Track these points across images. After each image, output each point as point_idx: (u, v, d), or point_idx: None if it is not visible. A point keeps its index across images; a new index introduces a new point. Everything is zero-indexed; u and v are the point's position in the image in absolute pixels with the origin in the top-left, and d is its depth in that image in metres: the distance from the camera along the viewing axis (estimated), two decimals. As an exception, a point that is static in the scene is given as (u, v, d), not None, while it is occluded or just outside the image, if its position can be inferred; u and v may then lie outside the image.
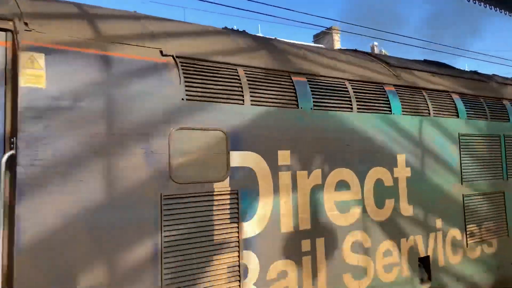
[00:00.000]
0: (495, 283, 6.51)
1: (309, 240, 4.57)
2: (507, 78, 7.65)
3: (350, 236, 4.93)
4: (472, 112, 6.54)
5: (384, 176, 5.32)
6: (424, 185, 5.77)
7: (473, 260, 6.28)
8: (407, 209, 5.51)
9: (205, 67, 4.10)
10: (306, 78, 4.81)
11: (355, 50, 6.73)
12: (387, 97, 5.51)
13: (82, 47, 3.48)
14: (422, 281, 5.60)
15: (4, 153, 3.13)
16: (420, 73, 6.46)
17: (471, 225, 6.31)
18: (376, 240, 5.14)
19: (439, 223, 5.88)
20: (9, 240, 3.09)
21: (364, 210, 5.06)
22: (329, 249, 4.71)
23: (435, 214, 5.86)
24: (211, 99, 4.03)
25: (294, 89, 4.64)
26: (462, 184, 6.27)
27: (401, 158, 5.52)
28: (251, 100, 4.30)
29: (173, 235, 3.68)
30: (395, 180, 5.39)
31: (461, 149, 6.25)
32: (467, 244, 6.22)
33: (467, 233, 6.23)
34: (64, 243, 3.21)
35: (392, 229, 5.32)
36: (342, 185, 4.93)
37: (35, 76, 3.26)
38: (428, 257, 5.73)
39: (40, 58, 3.30)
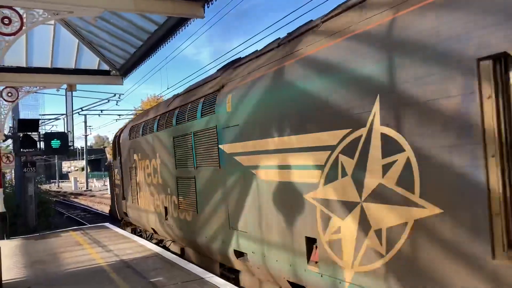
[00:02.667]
0: (186, 241, 9.63)
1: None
2: (205, 78, 9.37)
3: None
4: (180, 119, 9.10)
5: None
6: (163, 173, 10.31)
7: (183, 221, 9.28)
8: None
9: None
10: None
11: None
12: None
13: None
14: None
15: None
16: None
17: (180, 198, 9.34)
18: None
19: (171, 193, 9.86)
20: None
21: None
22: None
23: (172, 190, 9.75)
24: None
25: None
26: (176, 170, 9.44)
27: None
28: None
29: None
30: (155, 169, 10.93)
31: (175, 147, 9.38)
32: (179, 209, 9.42)
33: (179, 202, 9.39)
34: None
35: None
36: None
37: None
38: (166, 208, 10.25)
39: None
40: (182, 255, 10.26)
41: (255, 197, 6.18)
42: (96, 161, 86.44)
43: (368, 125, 4.09)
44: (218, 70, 8.84)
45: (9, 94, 14.99)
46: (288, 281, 5.60)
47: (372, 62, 4.04)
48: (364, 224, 4.21)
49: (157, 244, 11.46)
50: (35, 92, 16.56)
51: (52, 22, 12.94)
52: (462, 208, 3.26)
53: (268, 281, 6.43)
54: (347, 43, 4.40)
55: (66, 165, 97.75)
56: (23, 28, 7.88)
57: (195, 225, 8.64)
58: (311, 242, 5.06)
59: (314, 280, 4.98)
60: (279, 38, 6.47)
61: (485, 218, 3.06)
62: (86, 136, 57.37)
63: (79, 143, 79.72)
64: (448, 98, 3.32)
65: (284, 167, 5.45)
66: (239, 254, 6.90)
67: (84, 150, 61.90)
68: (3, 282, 7.44)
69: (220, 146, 7.14)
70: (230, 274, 7.85)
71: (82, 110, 33.26)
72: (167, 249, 10.57)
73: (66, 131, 22.23)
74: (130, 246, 10.46)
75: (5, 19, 7.65)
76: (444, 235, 3.41)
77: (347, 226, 4.43)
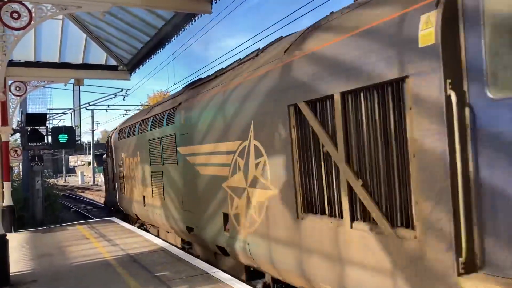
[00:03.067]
0: (159, 223, 11.89)
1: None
2: (174, 94, 11.78)
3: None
4: (153, 126, 11.22)
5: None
6: (142, 168, 12.35)
7: (155, 206, 11.41)
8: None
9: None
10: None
11: None
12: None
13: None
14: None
15: None
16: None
17: (154, 188, 11.43)
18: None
19: (147, 185, 11.99)
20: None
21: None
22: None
23: (148, 182, 11.91)
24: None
25: None
26: (150, 166, 11.57)
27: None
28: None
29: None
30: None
31: (149, 148, 11.46)
32: (152, 197, 11.55)
33: (153, 192, 11.50)
34: None
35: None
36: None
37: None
38: (144, 197, 12.41)
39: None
40: (157, 236, 12.13)
41: (196, 186, 8.46)
42: (103, 156, 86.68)
43: (248, 138, 6.35)
44: (183, 88, 11.05)
45: (18, 88, 15.09)
46: (216, 245, 7.80)
47: (249, 102, 6.37)
48: (248, 202, 6.41)
49: (139, 227, 13.52)
50: (43, 87, 16.66)
51: (60, 17, 12.99)
52: (286, 190, 5.46)
53: (206, 247, 8.74)
54: (240, 88, 6.73)
55: (73, 160, 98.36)
56: (32, 22, 7.93)
57: (162, 209, 10.74)
58: (226, 216, 7.25)
59: (227, 241, 7.24)
60: (220, 69, 8.80)
61: (293, 194, 5.30)
62: (93, 130, 57.66)
63: (86, 138, 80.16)
64: (277, 125, 5.62)
65: (211, 165, 7.75)
66: (190, 229, 8.99)
67: (91, 145, 62.25)
68: (10, 274, 7.52)
69: (177, 148, 9.43)
70: (188, 246, 10.17)
71: (89, 105, 33.46)
72: (172, 244, 10.65)
73: (73, 126, 22.37)
74: (136, 241, 10.53)
75: (14, 14, 7.70)
76: (279, 205, 5.63)
77: (241, 203, 6.64)
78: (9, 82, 14.66)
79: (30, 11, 7.88)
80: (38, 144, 18.72)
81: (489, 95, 3.17)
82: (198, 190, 8.35)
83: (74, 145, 20.92)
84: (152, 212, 11.79)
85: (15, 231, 13.75)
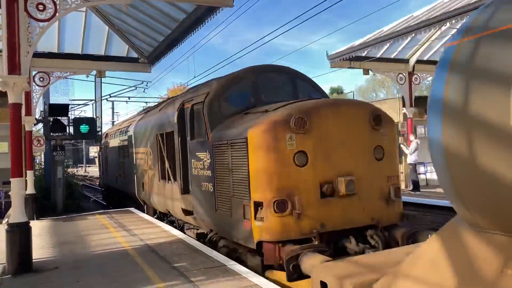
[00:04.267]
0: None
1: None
2: (134, 115, 18.44)
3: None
4: (122, 133, 17.81)
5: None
6: (115, 160, 19.24)
7: (119, 181, 18.76)
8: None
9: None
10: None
11: None
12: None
13: None
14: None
15: None
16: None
17: (120, 173, 18.25)
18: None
19: (119, 171, 18.45)
20: None
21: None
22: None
23: (118, 170, 18.92)
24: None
25: None
26: (118, 158, 18.55)
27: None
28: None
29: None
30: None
31: (118, 147, 18.50)
32: (116, 183, 19.22)
33: (120, 175, 18.49)
34: None
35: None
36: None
37: None
38: (116, 177, 19.33)
39: None
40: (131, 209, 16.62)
41: (144, 174, 13.70)
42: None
43: (148, 146, 12.90)
44: (142, 110, 18.30)
45: (41, 79, 15.37)
46: (142, 200, 14.73)
47: (149, 128, 12.92)
48: (148, 176, 13.17)
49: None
50: (66, 78, 16.92)
51: (84, 9, 13.15)
52: (157, 170, 12.15)
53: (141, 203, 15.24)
54: (141, 122, 14.53)
55: (93, 150, 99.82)
56: (57, 14, 8.04)
57: (123, 185, 17.82)
58: (143, 184, 13.84)
59: (145, 197, 13.90)
60: (148, 107, 17.39)
61: (158, 172, 11.87)
62: (113, 122, 58.38)
63: (106, 129, 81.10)
64: (154, 142, 12.07)
65: (140, 158, 14.14)
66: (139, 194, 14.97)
67: (111, 136, 62.91)
68: (33, 260, 7.70)
69: (130, 149, 15.70)
70: (163, 216, 13.39)
71: (110, 97, 33.85)
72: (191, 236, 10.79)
73: (94, 117, 22.69)
74: (155, 231, 10.66)
75: (39, 5, 7.82)
76: (156, 177, 12.23)
77: (147, 177, 13.32)
78: (33, 72, 14.96)
79: (55, 3, 8.00)
80: (60, 134, 19.07)
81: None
82: (145, 176, 13.70)
83: (95, 136, 21.24)
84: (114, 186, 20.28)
85: (37, 218, 14.08)
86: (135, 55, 15.96)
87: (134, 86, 30.46)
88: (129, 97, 34.95)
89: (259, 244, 7.00)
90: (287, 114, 6.99)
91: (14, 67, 7.51)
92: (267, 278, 6.75)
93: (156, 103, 19.24)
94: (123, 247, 9.04)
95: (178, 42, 13.35)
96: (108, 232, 10.97)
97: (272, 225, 6.76)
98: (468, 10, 11.88)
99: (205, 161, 8.50)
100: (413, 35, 14.67)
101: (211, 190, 8.26)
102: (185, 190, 9.69)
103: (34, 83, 15.00)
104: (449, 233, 3.99)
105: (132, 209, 15.84)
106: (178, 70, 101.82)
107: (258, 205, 6.91)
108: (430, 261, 3.95)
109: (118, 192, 19.45)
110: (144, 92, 31.60)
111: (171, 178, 10.72)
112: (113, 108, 53.83)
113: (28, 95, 14.36)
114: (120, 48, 15.74)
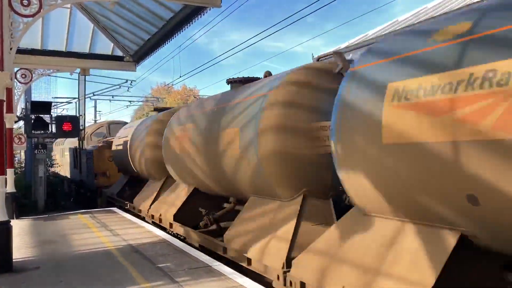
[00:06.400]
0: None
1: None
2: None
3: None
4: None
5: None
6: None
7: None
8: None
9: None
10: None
11: None
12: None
13: None
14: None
15: None
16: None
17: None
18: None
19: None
20: None
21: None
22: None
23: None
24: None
25: None
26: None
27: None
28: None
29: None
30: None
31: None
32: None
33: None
34: None
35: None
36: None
37: None
38: None
39: None
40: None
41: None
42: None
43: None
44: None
45: (23, 76, 15.08)
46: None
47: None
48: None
49: None
50: (49, 75, 16.66)
51: (69, 5, 12.97)
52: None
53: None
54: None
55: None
56: (42, 10, 7.92)
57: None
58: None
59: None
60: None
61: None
62: (95, 121, 57.66)
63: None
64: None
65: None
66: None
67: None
68: (13, 260, 7.56)
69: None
70: None
71: (94, 95, 33.41)
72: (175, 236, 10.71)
73: (77, 115, 22.39)
74: (139, 232, 10.57)
75: (24, 1, 7.69)
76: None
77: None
78: (15, 69, 14.68)
79: (40, -1, 7.87)
80: (42, 132, 18.75)
81: None
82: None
83: (78, 134, 20.92)
84: None
85: (16, 217, 13.80)
86: (120, 53, 15.81)
87: (118, 85, 30.13)
88: (112, 96, 34.56)
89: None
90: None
91: (-4, 63, 7.36)
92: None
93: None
94: (106, 247, 8.94)
95: (164, 41, 13.27)
96: (90, 232, 10.83)
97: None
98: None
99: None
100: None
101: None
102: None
103: (15, 80, 14.71)
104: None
105: (115, 209, 15.67)
106: (162, 70, 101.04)
107: None
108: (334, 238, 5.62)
109: None
110: (128, 91, 31.28)
111: None
112: (95, 106, 53.15)
113: (9, 92, 14.06)
114: (105, 46, 15.57)
